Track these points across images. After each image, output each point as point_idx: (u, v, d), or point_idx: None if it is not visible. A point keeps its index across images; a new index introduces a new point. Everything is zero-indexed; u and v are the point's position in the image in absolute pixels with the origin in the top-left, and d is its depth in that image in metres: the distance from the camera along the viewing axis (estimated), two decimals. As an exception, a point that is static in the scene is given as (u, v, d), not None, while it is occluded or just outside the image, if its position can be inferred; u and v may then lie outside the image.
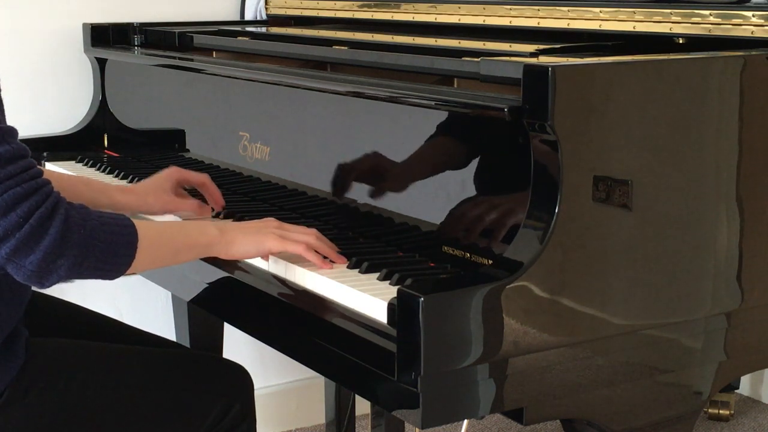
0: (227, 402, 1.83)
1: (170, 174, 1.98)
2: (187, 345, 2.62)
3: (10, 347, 1.65)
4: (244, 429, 1.86)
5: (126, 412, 1.74)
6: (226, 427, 1.83)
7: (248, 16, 2.92)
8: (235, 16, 2.94)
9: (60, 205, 1.50)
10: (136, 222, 1.58)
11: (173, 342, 2.14)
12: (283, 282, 1.69)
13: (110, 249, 1.54)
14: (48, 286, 1.53)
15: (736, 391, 3.20)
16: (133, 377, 1.77)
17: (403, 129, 1.76)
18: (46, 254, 1.48)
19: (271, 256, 1.72)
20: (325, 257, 1.67)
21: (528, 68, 1.45)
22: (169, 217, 1.97)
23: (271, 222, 1.73)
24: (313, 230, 1.71)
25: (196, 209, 1.96)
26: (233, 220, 1.95)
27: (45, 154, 2.57)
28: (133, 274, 1.64)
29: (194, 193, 2.03)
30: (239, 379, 1.89)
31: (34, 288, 1.64)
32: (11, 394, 1.63)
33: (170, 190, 1.97)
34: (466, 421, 2.48)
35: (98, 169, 2.43)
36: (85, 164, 2.49)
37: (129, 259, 1.56)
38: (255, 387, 1.92)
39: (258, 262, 1.75)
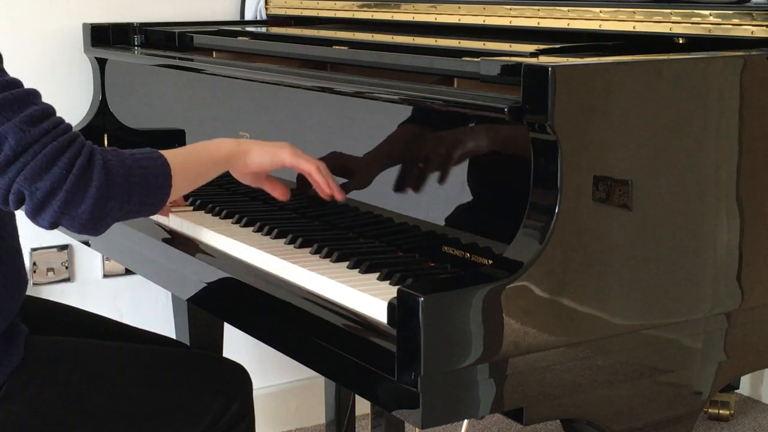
0: (226, 400, 1.83)
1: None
2: (188, 345, 2.62)
3: (10, 342, 1.66)
4: (243, 428, 1.87)
5: (125, 409, 1.75)
6: (225, 426, 1.84)
7: (248, 16, 2.92)
8: (235, 16, 2.94)
9: (95, 152, 1.56)
10: (163, 152, 1.63)
11: (172, 340, 2.14)
12: (282, 282, 1.69)
13: (150, 182, 1.59)
14: (102, 232, 1.58)
15: (736, 391, 3.20)
16: (132, 374, 1.77)
17: (403, 129, 1.76)
18: (96, 200, 1.53)
19: (272, 255, 1.72)
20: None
21: (528, 68, 1.45)
22: None
23: (285, 143, 1.79)
24: (320, 162, 1.77)
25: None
26: (233, 222, 1.96)
27: (45, 154, 2.57)
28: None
29: None
30: (238, 377, 1.89)
31: (28, 287, 1.66)
32: (10, 388, 1.64)
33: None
34: (466, 421, 2.48)
35: (98, 169, 2.43)
36: (85, 164, 2.49)
37: (168, 189, 1.62)
38: (255, 387, 1.92)
39: (258, 262, 1.75)
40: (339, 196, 1.76)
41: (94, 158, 1.54)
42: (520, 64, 1.47)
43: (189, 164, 1.69)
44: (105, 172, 1.54)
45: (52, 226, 1.55)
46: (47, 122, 1.54)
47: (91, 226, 1.55)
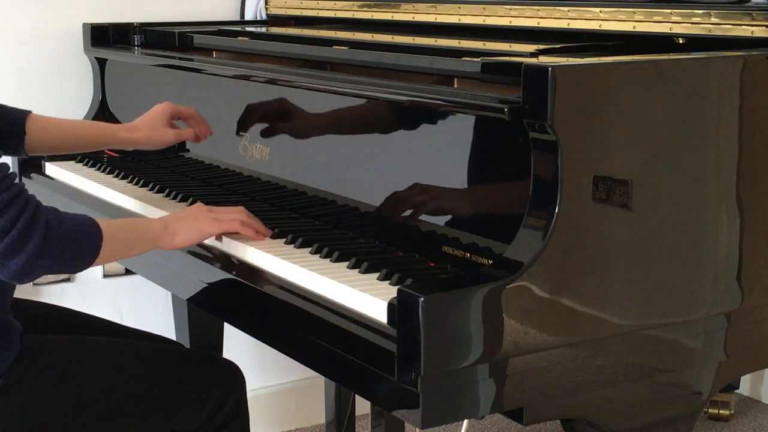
0: (220, 397, 1.85)
1: (165, 109, 2.12)
2: (187, 345, 2.62)
3: (5, 337, 1.68)
4: (237, 425, 1.88)
5: (119, 404, 1.77)
6: (219, 423, 1.85)
7: (248, 16, 2.92)
8: (235, 16, 2.94)
9: (40, 209, 1.60)
10: (98, 221, 1.68)
11: (167, 338, 2.15)
12: (282, 282, 1.69)
13: (81, 248, 1.64)
14: (25, 283, 1.63)
15: (736, 391, 3.20)
16: (127, 369, 1.80)
17: (403, 129, 1.76)
18: (30, 256, 1.57)
19: (272, 255, 1.72)
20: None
21: (528, 68, 1.45)
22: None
23: (201, 207, 1.85)
24: (241, 208, 1.83)
25: (192, 137, 2.12)
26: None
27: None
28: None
29: None
30: (232, 375, 1.91)
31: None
32: (6, 382, 1.66)
33: (167, 124, 2.11)
34: (466, 421, 2.48)
35: (98, 169, 2.43)
36: (85, 164, 2.49)
37: (95, 256, 1.67)
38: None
39: (258, 262, 1.75)
40: (267, 234, 1.81)
41: (39, 215, 1.59)
42: (520, 64, 1.47)
43: (119, 237, 1.73)
44: (45, 231, 1.58)
45: None
46: None
47: (17, 277, 1.60)
